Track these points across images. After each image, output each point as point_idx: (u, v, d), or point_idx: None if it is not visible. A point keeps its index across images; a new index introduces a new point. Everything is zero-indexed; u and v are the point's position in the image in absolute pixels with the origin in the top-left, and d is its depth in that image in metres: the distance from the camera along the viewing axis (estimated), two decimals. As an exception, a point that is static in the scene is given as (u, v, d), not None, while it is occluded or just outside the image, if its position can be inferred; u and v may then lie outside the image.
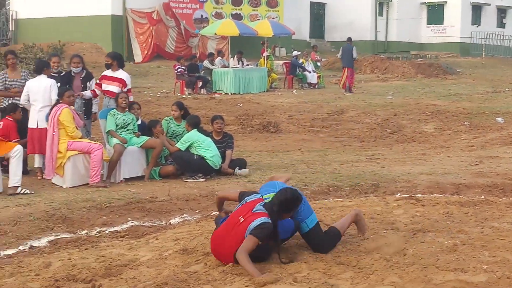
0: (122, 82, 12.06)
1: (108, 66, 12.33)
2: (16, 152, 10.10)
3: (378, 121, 17.96)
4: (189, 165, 11.28)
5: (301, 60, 28.23)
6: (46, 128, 11.11)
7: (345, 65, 25.47)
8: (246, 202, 6.38)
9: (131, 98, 12.09)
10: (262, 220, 6.13)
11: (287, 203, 6.27)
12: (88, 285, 6.03)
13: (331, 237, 6.70)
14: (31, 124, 11.45)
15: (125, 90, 12.02)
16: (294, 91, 26.10)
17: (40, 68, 11.77)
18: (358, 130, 17.19)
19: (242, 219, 6.23)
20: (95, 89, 12.16)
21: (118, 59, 12.28)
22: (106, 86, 12.10)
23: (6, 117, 11.33)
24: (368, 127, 17.44)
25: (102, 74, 12.31)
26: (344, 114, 19.02)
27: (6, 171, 10.47)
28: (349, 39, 26.72)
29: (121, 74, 12.16)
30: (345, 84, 25.17)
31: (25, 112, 11.76)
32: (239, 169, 11.60)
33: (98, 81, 12.23)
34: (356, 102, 21.23)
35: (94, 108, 12.52)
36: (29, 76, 12.24)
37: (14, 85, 11.80)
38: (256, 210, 6.22)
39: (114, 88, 12.00)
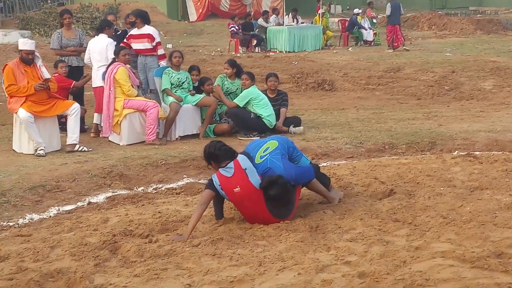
0: (150, 37, 12.04)
1: (132, 24, 12.34)
2: (73, 110, 10.24)
3: (435, 78, 17.63)
4: (245, 123, 11.28)
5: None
6: (101, 86, 11.25)
7: (396, 22, 24.84)
8: (220, 187, 6.27)
9: (161, 52, 12.04)
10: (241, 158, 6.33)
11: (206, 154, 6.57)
12: (145, 240, 6.12)
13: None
14: (92, 83, 11.72)
15: (154, 44, 12.03)
16: (350, 49, 25.81)
17: (102, 27, 11.89)
18: (415, 88, 16.92)
19: (238, 188, 6.19)
20: None
21: (141, 16, 12.21)
22: (135, 45, 12.12)
23: (53, 74, 11.54)
24: (425, 84, 17.15)
25: (129, 34, 12.30)
26: (401, 72, 18.74)
27: (64, 129, 10.64)
28: None
29: (147, 29, 12.14)
30: (399, 42, 24.62)
31: (77, 70, 11.91)
32: (293, 127, 11.55)
33: (125, 40, 12.24)
34: (413, 59, 20.88)
35: None
36: (84, 36, 12.33)
37: (70, 44, 11.91)
38: (231, 172, 6.24)
39: (143, 45, 12.04)
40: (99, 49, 11.52)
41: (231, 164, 6.30)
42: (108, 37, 11.74)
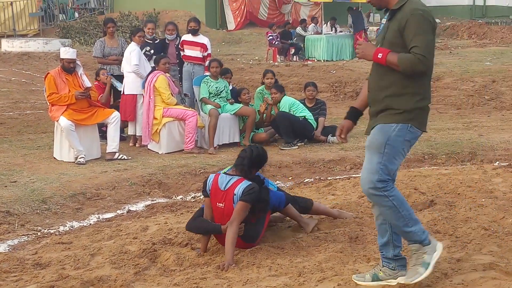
0: (203, 46, 12.30)
1: (194, 31, 12.46)
2: (114, 118, 10.33)
3: (475, 87, 17.43)
4: (293, 127, 11.21)
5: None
6: (129, 95, 11.44)
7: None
8: (209, 193, 6.03)
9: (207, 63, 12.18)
10: (245, 183, 5.87)
11: (260, 158, 6.13)
12: (184, 248, 6.14)
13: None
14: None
15: (205, 54, 12.24)
16: (388, 58, 25.66)
17: (131, 34, 12.06)
18: (455, 97, 16.75)
19: (222, 204, 5.94)
20: None
21: (199, 24, 12.46)
22: (187, 52, 12.29)
23: (95, 82, 11.64)
24: (465, 94, 16.96)
25: (182, 40, 12.45)
26: (440, 81, 18.56)
27: (104, 137, 10.73)
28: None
29: (202, 39, 12.38)
30: None
31: (118, 78, 11.96)
32: (331, 136, 11.52)
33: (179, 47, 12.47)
34: (452, 68, 20.70)
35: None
36: (126, 44, 12.45)
37: (112, 52, 12.04)
38: (226, 186, 5.93)
39: (195, 53, 12.25)
40: (126, 56, 11.56)
41: (224, 178, 6.02)
42: (143, 45, 11.91)
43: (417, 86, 4.58)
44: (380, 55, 4.58)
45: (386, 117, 4.62)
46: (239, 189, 5.85)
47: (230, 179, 5.97)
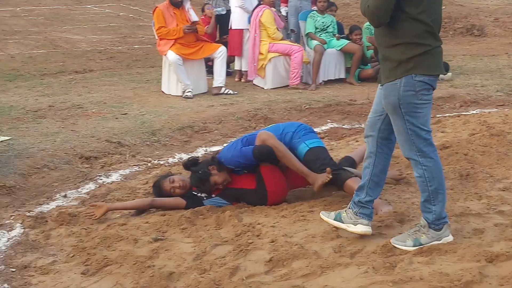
0: None
1: None
2: (220, 53, 10.37)
3: None
4: None
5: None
6: (233, 29, 11.41)
7: None
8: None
9: None
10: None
11: None
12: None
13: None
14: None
15: None
16: (501, -7, 24.65)
17: None
18: None
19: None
20: None
21: None
22: None
23: (201, 16, 11.65)
24: None
25: None
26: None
27: (210, 72, 10.81)
28: None
29: None
30: None
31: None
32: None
33: None
34: None
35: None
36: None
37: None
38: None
39: None
40: None
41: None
42: None
43: (407, 36, 4.23)
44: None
45: (388, 72, 4.30)
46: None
47: None
